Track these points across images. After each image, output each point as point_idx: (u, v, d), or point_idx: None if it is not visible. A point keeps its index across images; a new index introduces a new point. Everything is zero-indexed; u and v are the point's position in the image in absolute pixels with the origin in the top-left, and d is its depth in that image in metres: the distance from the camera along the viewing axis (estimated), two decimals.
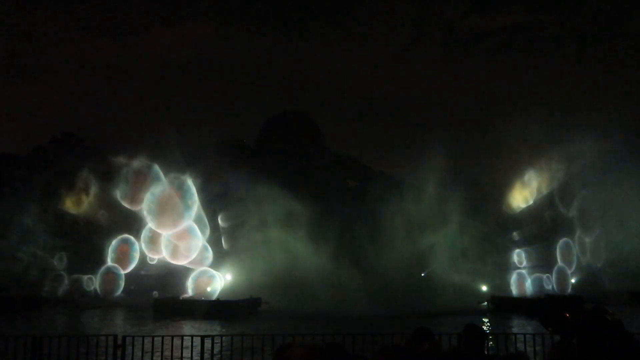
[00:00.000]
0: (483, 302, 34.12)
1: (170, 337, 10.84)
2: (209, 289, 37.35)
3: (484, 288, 36.33)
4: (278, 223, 37.77)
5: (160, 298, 33.85)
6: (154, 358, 9.34)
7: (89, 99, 41.09)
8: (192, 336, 9.96)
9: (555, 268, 39.33)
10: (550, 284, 38.68)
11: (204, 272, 37.57)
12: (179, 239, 37.94)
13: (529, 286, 38.83)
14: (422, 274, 38.36)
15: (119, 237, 39.63)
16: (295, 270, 34.29)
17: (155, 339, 9.74)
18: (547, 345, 9.22)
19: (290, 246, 36.45)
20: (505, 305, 32.39)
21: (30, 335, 9.62)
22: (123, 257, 39.50)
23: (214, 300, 32.18)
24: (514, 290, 38.61)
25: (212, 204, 40.50)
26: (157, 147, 40.22)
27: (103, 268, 39.29)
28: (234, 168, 38.45)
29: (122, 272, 39.34)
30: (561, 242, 39.75)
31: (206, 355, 9.43)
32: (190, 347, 9.40)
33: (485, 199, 40.37)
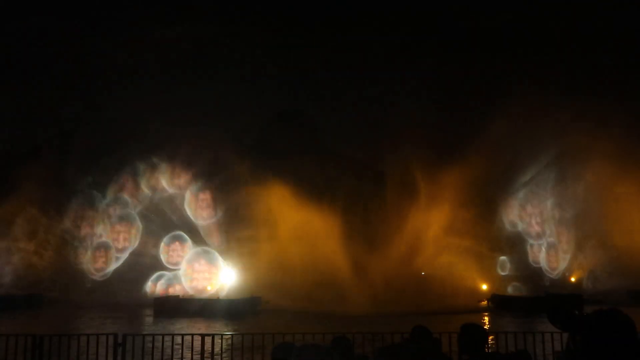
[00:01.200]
0: (483, 300, 34.17)
1: (170, 336, 10.86)
2: (209, 288, 37.45)
3: (484, 287, 36.41)
4: (279, 221, 37.75)
5: (161, 297, 33.91)
6: (154, 357, 9.35)
7: (88, 98, 41.12)
8: (192, 335, 9.96)
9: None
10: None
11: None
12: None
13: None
14: (422, 273, 38.38)
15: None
16: (296, 269, 34.28)
17: (156, 337, 9.75)
18: (547, 342, 9.24)
19: (291, 245, 36.41)
20: (504, 304, 32.42)
21: (30, 334, 9.62)
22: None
23: (215, 299, 32.21)
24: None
25: (213, 202, 40.59)
26: (156, 146, 40.30)
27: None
28: (234, 166, 38.47)
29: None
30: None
31: (206, 354, 9.44)
32: (190, 345, 9.41)
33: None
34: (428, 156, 37.51)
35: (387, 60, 47.75)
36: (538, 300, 32.07)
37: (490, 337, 11.07)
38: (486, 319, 28.56)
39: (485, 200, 39.84)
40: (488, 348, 5.03)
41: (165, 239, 40.24)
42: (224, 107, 40.71)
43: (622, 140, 37.08)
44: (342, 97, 45.66)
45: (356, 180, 42.84)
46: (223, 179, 39.68)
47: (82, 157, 40.42)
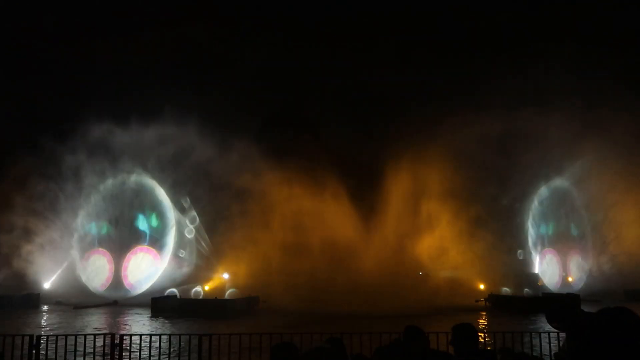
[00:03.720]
0: (480, 300, 34.23)
1: (167, 336, 10.82)
2: (207, 288, 37.45)
3: (481, 286, 36.48)
4: (277, 221, 37.71)
5: (158, 296, 33.82)
6: (151, 357, 9.33)
7: (87, 97, 41.07)
8: (189, 335, 9.95)
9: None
10: None
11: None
12: None
13: None
14: (419, 273, 38.44)
15: None
16: (293, 268, 34.25)
17: (153, 337, 9.73)
18: (544, 342, 9.25)
19: (289, 245, 36.37)
20: (502, 303, 32.47)
21: (27, 333, 9.60)
22: None
23: (212, 299, 32.14)
24: None
25: (209, 199, 40.46)
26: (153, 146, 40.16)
27: None
28: (233, 164, 38.36)
29: None
30: None
31: (204, 354, 9.41)
32: (188, 345, 9.40)
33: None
34: (428, 155, 37.47)
35: (386, 60, 47.72)
36: (535, 300, 32.16)
37: (488, 337, 11.09)
38: (483, 319, 28.61)
39: (485, 203, 39.85)
40: (478, 345, 5.02)
41: None
42: (223, 106, 40.28)
43: (622, 144, 37.01)
44: (341, 97, 45.50)
45: (355, 180, 42.80)
46: (221, 177, 39.50)
47: (79, 157, 40.30)
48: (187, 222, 40.95)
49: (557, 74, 38.32)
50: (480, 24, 46.18)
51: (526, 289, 37.19)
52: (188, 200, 40.58)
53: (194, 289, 37.34)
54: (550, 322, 3.49)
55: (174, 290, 37.10)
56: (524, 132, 38.71)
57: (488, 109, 37.60)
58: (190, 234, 40.99)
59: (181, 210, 41.13)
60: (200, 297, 35.79)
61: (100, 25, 50.26)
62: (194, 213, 40.79)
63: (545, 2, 49.71)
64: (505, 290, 35.77)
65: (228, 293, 35.35)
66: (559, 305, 3.51)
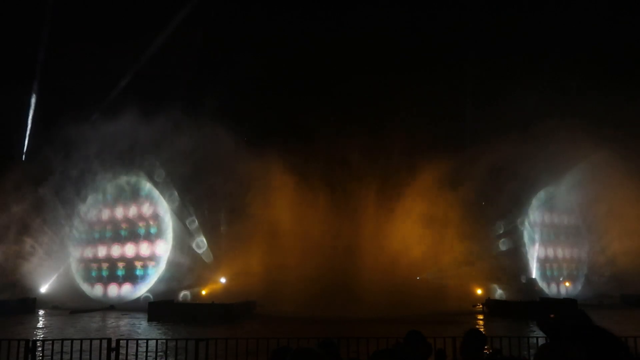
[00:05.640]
0: (478, 305, 34.23)
1: (164, 340, 10.81)
2: (204, 292, 37.40)
3: (479, 291, 36.51)
4: (274, 223, 37.67)
5: (155, 301, 33.73)
6: None
7: (86, 98, 41.15)
8: (186, 339, 9.93)
9: None
10: None
11: None
12: None
13: None
14: (417, 277, 38.44)
15: None
16: (291, 272, 34.24)
17: (149, 342, 9.71)
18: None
19: (286, 248, 36.35)
20: (499, 308, 32.47)
21: (23, 338, 9.56)
22: None
23: (209, 303, 32.05)
24: None
25: (207, 199, 40.39)
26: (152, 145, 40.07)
27: None
28: (232, 165, 38.30)
29: None
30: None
31: (201, 359, 9.40)
32: (184, 350, 9.37)
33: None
34: (429, 157, 37.52)
35: (385, 60, 47.70)
36: (532, 305, 32.17)
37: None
38: (480, 322, 28.64)
39: (482, 208, 39.86)
40: (484, 353, 5.06)
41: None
42: (224, 106, 40.09)
43: (620, 150, 36.99)
44: (340, 97, 45.44)
45: (351, 184, 42.85)
46: (220, 177, 39.34)
47: (76, 158, 40.19)
48: (187, 224, 40.79)
49: (556, 77, 38.52)
50: (480, 26, 46.15)
51: (522, 283, 37.35)
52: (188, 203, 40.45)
53: (182, 293, 37.27)
54: (541, 329, 3.56)
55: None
56: (521, 136, 38.77)
57: (486, 110, 37.71)
58: (189, 239, 40.84)
59: (179, 213, 40.96)
60: (188, 301, 35.96)
61: (99, 25, 50.26)
62: (192, 216, 40.62)
63: (545, 2, 49.73)
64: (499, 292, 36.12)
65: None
66: (546, 312, 3.59)
